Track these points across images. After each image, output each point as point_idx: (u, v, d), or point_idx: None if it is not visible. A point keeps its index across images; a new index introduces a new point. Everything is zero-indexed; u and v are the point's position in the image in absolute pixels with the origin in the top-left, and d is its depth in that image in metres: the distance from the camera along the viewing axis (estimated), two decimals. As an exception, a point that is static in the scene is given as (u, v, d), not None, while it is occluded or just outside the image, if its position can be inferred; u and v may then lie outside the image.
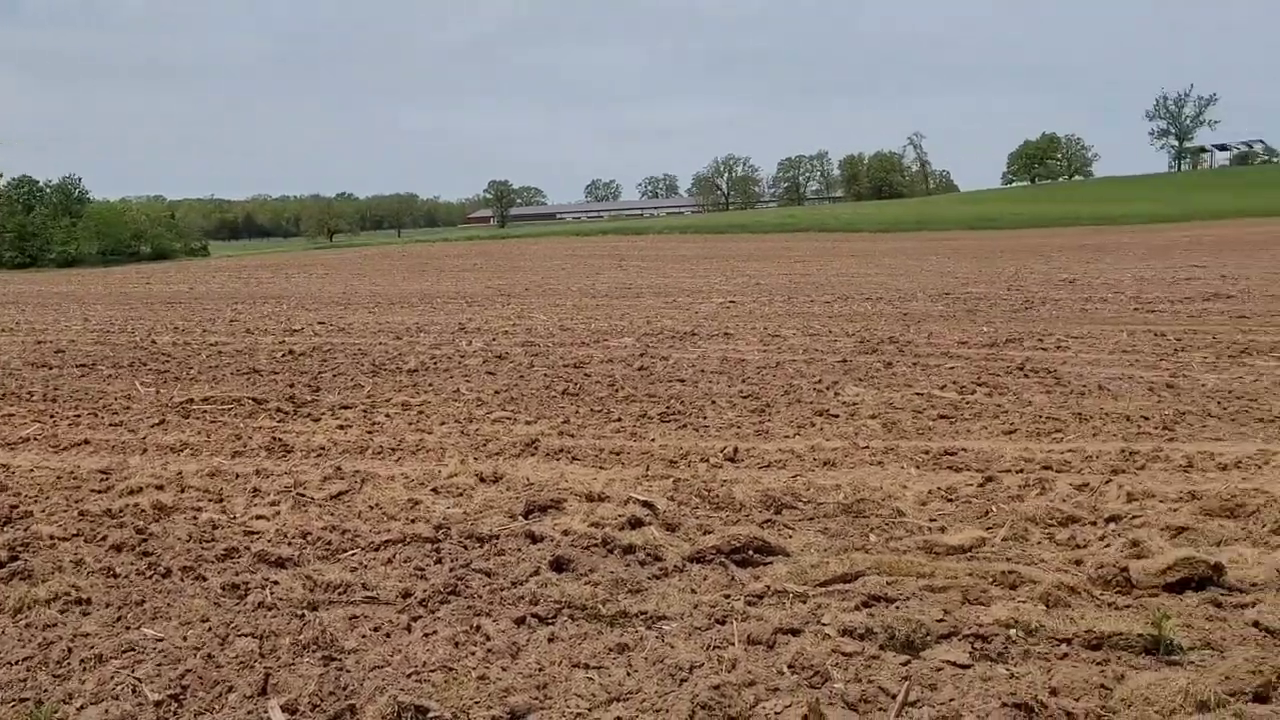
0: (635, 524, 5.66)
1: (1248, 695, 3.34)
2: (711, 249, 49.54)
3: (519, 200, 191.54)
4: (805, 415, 8.93)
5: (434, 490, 6.67)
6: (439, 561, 5.18)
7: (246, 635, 4.25)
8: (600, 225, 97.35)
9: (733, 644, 4.01)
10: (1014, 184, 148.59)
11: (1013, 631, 3.99)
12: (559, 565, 5.02)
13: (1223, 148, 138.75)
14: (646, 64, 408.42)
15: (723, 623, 4.25)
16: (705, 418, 8.96)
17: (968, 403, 9.36)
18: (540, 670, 3.88)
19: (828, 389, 10.20)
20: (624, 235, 68.01)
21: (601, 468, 7.26)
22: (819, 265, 33.85)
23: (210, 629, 4.35)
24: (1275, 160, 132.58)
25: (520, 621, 4.32)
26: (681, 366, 11.97)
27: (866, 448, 7.64)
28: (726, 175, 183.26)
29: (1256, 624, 3.97)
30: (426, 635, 4.23)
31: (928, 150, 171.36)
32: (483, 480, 6.86)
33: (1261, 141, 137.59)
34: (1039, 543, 5.27)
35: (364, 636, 4.26)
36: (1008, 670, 3.69)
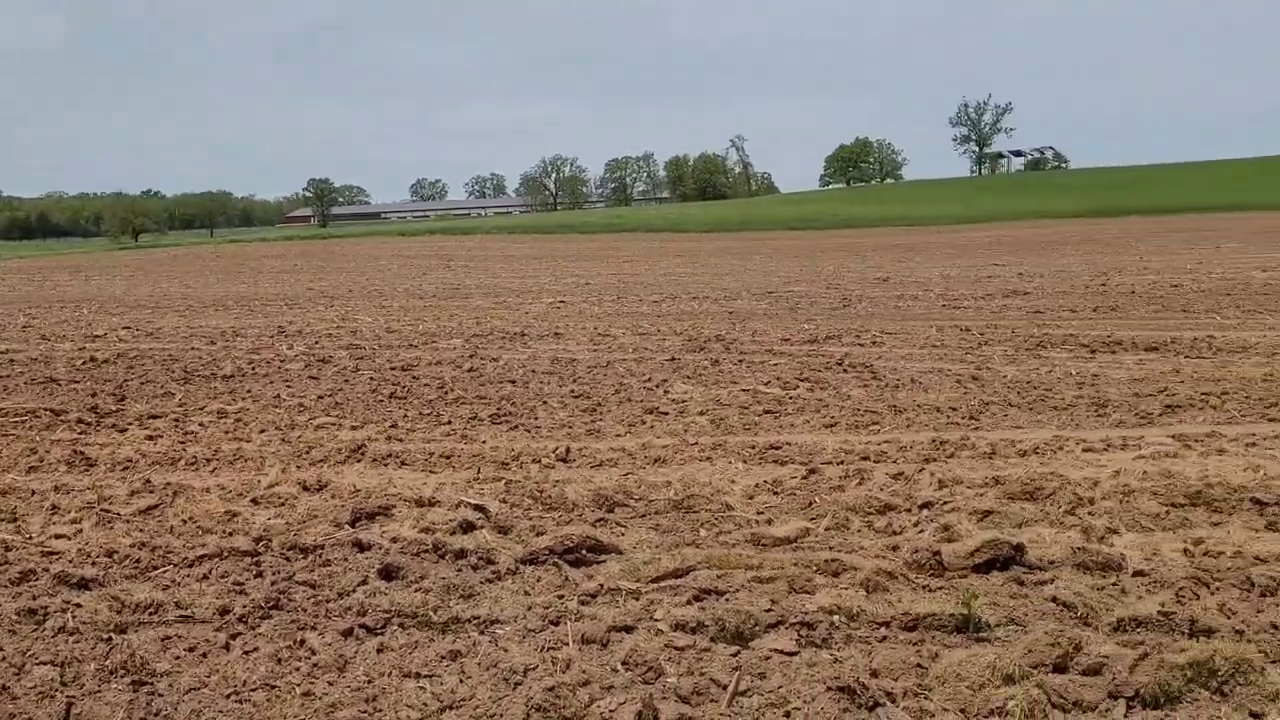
0: (467, 528, 5.58)
1: (1048, 666, 3.58)
2: (540, 249, 49.43)
3: (340, 199, 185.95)
4: (636, 414, 9.02)
5: (253, 501, 6.38)
6: (259, 575, 4.96)
7: (46, 663, 3.96)
8: (427, 225, 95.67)
9: (567, 644, 4.01)
10: (831, 186, 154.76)
11: (836, 617, 4.14)
12: (388, 573, 4.89)
13: (1018, 154, 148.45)
14: (474, 62, 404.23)
15: (556, 623, 4.24)
16: (537, 418, 8.93)
17: (791, 398, 9.66)
18: (369, 682, 3.78)
19: (657, 387, 10.34)
20: (451, 235, 67.02)
21: (431, 472, 7.13)
22: (647, 265, 34.27)
23: (4, 658, 4.03)
24: (1063, 166, 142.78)
25: (348, 633, 4.19)
26: (512, 367, 11.89)
27: (696, 444, 7.78)
28: (555, 175, 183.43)
29: (1054, 599, 4.26)
30: (247, 653, 4.05)
31: (750, 153, 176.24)
32: (306, 489, 6.61)
33: (1052, 148, 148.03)
34: (859, 531, 5.49)
35: (178, 658, 4.03)
36: (832, 655, 3.83)
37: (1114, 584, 4.48)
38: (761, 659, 3.82)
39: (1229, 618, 4.00)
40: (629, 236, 62.86)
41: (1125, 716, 3.23)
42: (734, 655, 3.86)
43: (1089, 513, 5.59)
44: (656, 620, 4.20)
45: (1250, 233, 39.54)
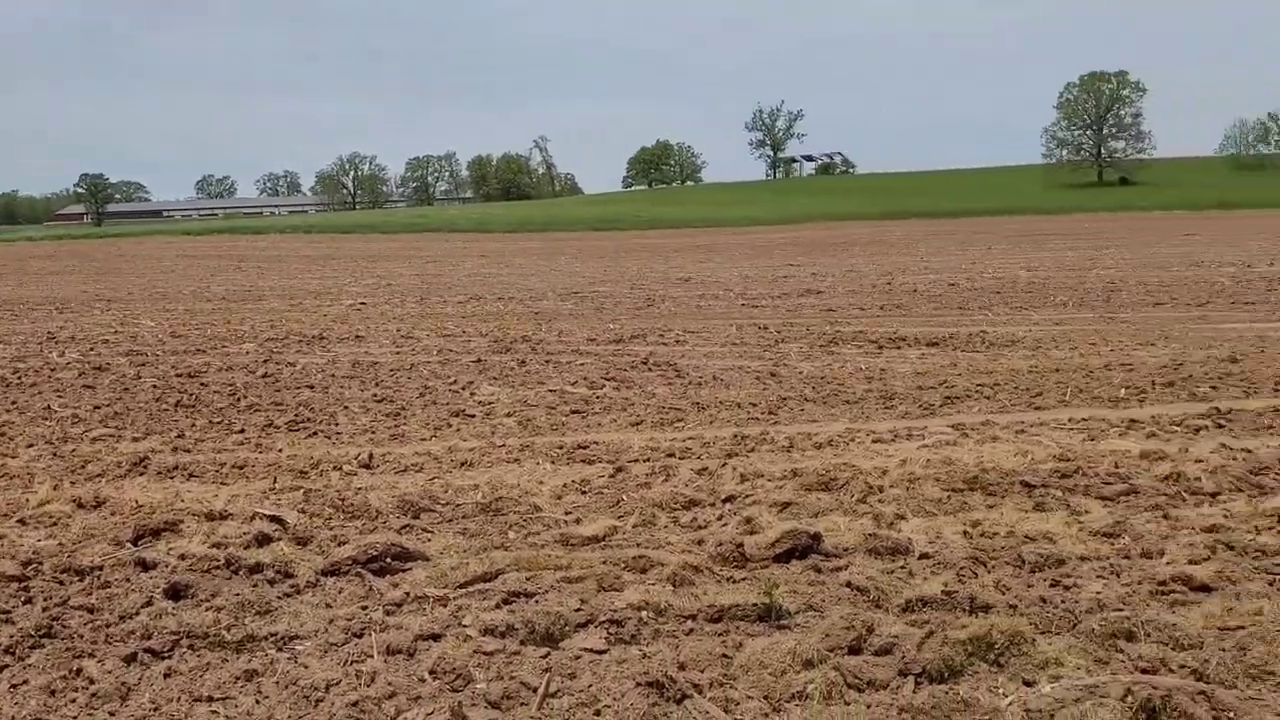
0: (263, 541, 5.32)
1: (844, 649, 3.74)
2: (339, 249, 47.82)
3: (118, 195, 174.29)
4: (441, 417, 8.86)
5: (20, 521, 5.88)
6: (29, 602, 4.57)
7: None
8: (214, 224, 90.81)
9: (371, 656, 3.89)
10: (634, 188, 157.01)
11: (644, 613, 4.19)
12: (175, 593, 4.61)
13: (809, 158, 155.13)
14: (264, 56, 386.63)
15: (360, 635, 4.10)
16: (337, 424, 8.64)
17: (598, 397, 9.73)
18: (155, 710, 3.54)
19: (463, 389, 10.20)
20: (242, 235, 63.85)
21: (223, 483, 6.77)
22: (451, 265, 33.76)
23: None
24: (851, 171, 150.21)
25: (130, 659, 3.92)
26: (310, 372, 11.45)
27: (503, 446, 7.72)
28: (352, 174, 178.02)
29: (849, 584, 4.46)
30: (15, 686, 3.72)
31: (553, 153, 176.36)
32: (81, 506, 6.14)
33: (840, 154, 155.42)
34: (666, 527, 5.59)
35: (-67, 698, 3.66)
36: (640, 651, 3.87)
37: (902, 567, 4.73)
38: (571, 659, 3.82)
39: (1004, 594, 4.30)
40: (432, 236, 61.75)
41: (914, 692, 3.42)
42: (544, 657, 3.84)
43: (879, 500, 5.89)
44: (465, 626, 4.14)
45: (1015, 235, 42.78)
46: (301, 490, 6.44)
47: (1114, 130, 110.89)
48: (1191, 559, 4.66)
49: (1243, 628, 3.84)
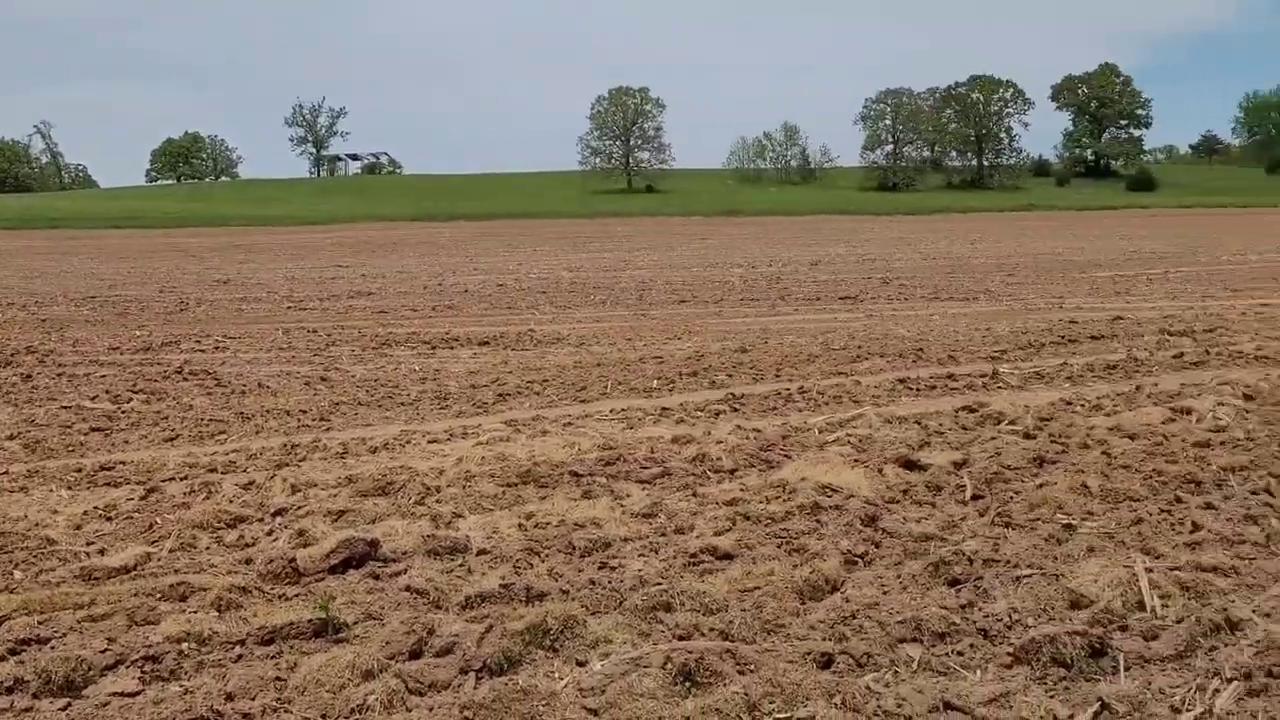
0: None
1: (405, 655, 3.69)
2: None
3: None
4: (-79, 444, 7.52)
5: None
6: None
7: None
8: None
9: None
10: (160, 182, 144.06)
11: (185, 645, 3.84)
12: None
13: (355, 157, 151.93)
14: None
15: None
16: None
17: (124, 412, 8.81)
18: None
19: (-50, 411, 8.74)
20: None
21: None
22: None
23: None
24: (398, 171, 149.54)
25: None
26: None
27: (6, 473, 6.72)
28: None
29: (409, 588, 4.41)
30: None
31: (59, 141, 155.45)
32: None
33: (386, 153, 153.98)
34: (209, 548, 5.17)
35: None
36: (181, 687, 3.54)
37: (461, 565, 4.78)
38: (98, 707, 3.40)
39: (557, 580, 4.49)
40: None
41: (475, 689, 3.46)
42: (63, 709, 3.39)
43: (436, 501, 5.90)
44: (-41, 688, 3.52)
45: (557, 237, 45.12)
46: None
47: (640, 142, 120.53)
48: (717, 531, 5.18)
49: (759, 588, 4.33)
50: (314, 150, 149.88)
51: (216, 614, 4.17)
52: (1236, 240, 36.17)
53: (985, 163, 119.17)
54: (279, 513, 5.74)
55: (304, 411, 8.83)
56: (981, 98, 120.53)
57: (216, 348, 12.78)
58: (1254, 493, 5.55)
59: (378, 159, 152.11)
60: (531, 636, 3.76)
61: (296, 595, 4.43)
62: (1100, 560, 4.45)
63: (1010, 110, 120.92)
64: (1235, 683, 3.32)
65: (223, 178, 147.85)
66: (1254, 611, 3.85)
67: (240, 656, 3.81)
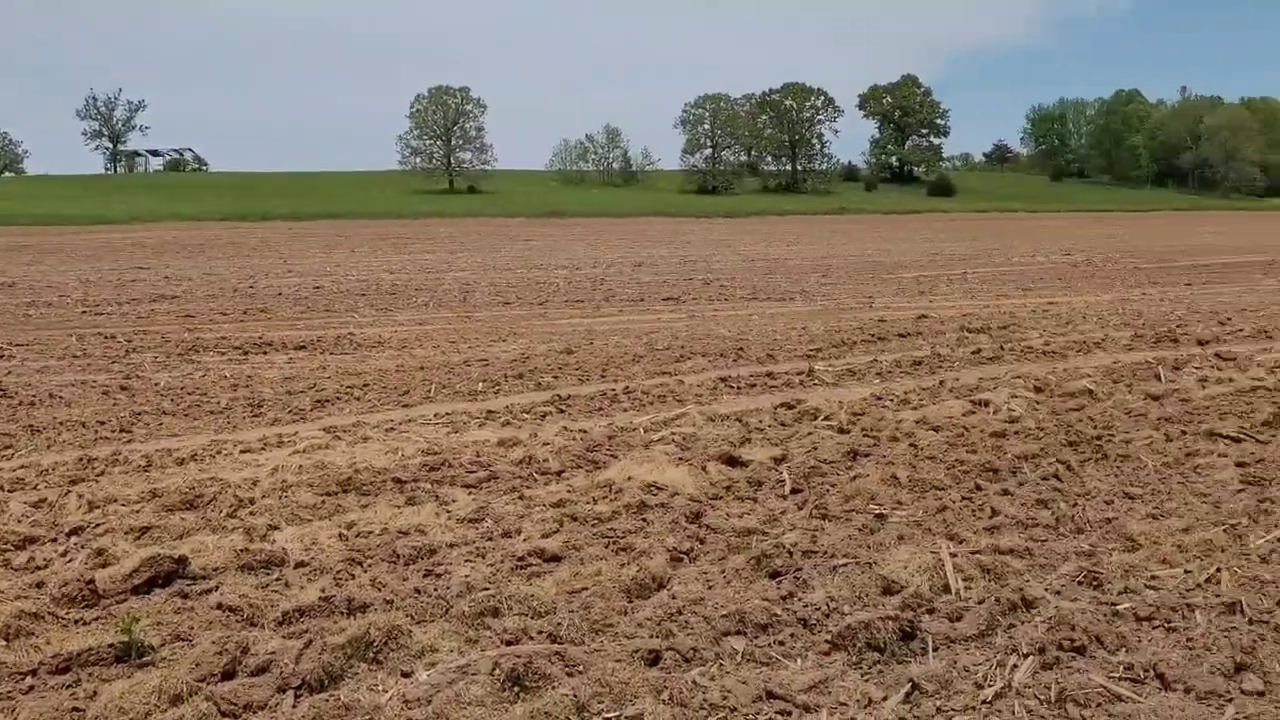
0: None
1: (217, 676, 3.51)
2: None
3: None
4: None
5: None
6: None
7: None
8: None
9: None
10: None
11: (-34, 680, 3.54)
12: None
13: (156, 153, 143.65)
14: None
15: None
16: None
17: (-108, 428, 8.03)
18: None
19: None
20: None
21: None
22: None
23: None
24: (204, 169, 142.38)
25: None
26: None
27: None
28: None
29: (220, 605, 4.20)
30: None
31: None
32: None
33: (191, 150, 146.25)
34: (-7, 573, 4.78)
35: None
36: (-36, 725, 3.26)
37: (278, 579, 4.58)
38: None
39: (380, 590, 4.37)
40: None
41: (294, 707, 3.32)
42: None
43: (250, 513, 5.65)
44: None
45: (377, 238, 43.96)
46: None
47: (461, 142, 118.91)
48: (544, 533, 5.16)
49: (587, 589, 4.34)
50: (110, 145, 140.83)
51: (3, 643, 3.86)
52: (1026, 243, 38.86)
53: (799, 167, 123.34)
54: (74, 532, 5.37)
55: (102, 423, 8.28)
56: (795, 105, 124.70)
57: (1, 356, 11.84)
58: (1044, 478, 5.98)
59: (181, 155, 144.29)
60: (354, 650, 3.65)
61: (96, 619, 4.15)
62: (909, 547, 4.69)
63: (821, 118, 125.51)
64: (1031, 658, 3.56)
65: (7, 173, 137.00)
66: (1046, 590, 4.15)
67: (32, 688, 3.54)
